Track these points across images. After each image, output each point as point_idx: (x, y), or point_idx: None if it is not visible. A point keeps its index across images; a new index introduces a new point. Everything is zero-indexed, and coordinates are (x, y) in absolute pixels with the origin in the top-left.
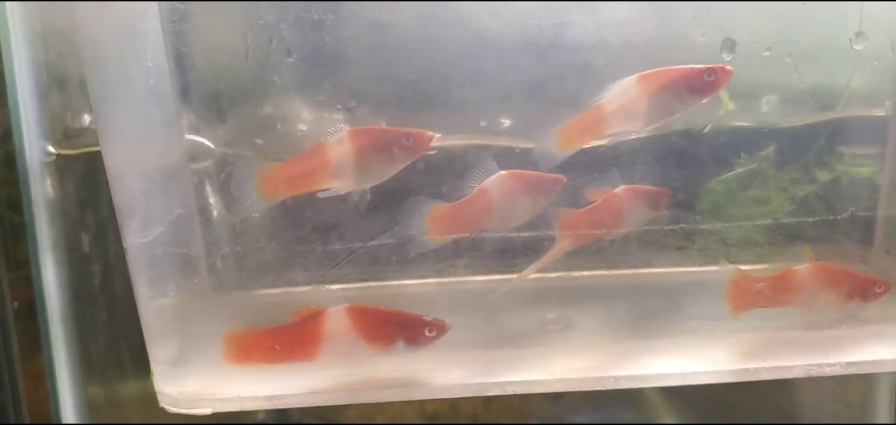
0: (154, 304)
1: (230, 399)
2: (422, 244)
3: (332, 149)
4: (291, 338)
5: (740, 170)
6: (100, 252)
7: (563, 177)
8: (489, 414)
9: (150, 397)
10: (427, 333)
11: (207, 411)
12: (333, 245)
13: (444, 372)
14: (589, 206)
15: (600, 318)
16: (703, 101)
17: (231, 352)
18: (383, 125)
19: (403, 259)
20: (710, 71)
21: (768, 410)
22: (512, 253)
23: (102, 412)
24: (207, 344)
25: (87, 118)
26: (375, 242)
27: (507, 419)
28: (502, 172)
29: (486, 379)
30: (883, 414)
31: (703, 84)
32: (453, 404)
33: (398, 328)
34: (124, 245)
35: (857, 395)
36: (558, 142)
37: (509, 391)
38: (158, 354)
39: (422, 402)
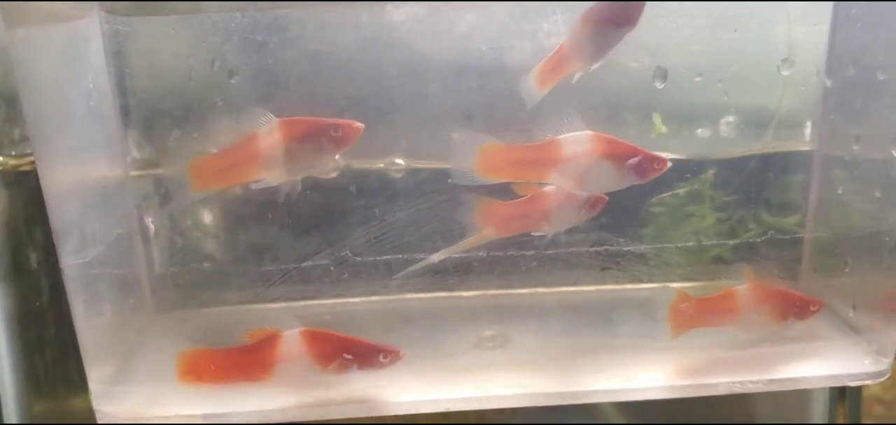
0: (91, 323)
1: (168, 417)
2: (470, 177)
3: (262, 139)
4: (246, 360)
5: (680, 191)
6: (48, 267)
7: (665, 160)
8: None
9: None
10: (382, 359)
11: None
12: (267, 266)
13: (381, 391)
14: (515, 200)
15: (536, 335)
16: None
17: (184, 371)
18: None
19: (336, 279)
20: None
21: (724, 416)
22: (443, 273)
23: (47, 415)
24: (147, 363)
25: None
26: (309, 263)
27: None
28: (585, 131)
29: (421, 397)
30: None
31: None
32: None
33: (353, 353)
34: (61, 265)
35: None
36: None
37: (444, 408)
38: (96, 374)
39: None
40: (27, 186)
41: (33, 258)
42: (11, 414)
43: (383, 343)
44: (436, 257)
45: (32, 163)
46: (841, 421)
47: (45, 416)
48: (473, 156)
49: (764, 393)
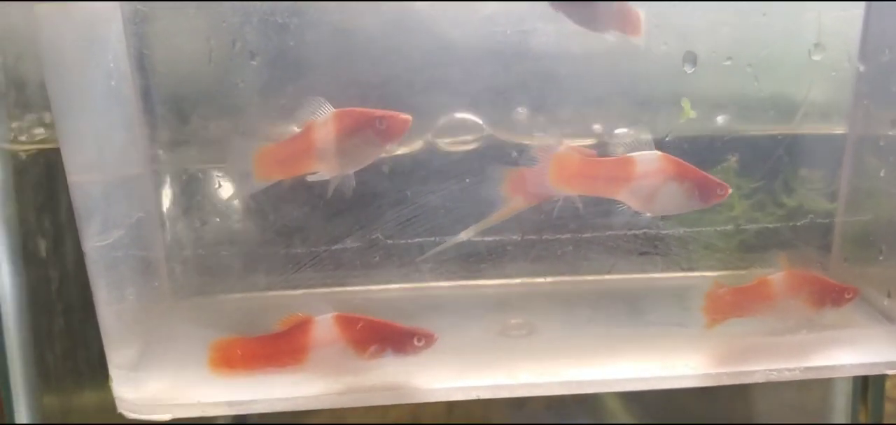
0: (113, 308)
1: (190, 404)
2: (544, 185)
3: (317, 130)
4: (279, 347)
5: None
6: (57, 257)
7: (726, 187)
8: (451, 421)
9: (107, 406)
10: (416, 343)
11: (167, 417)
12: (296, 248)
13: (407, 378)
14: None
15: (563, 324)
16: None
17: (215, 360)
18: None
19: (367, 263)
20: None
21: (727, 415)
22: (476, 257)
23: (58, 421)
24: (169, 349)
25: (47, 119)
26: (339, 246)
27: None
28: (657, 152)
29: (450, 384)
30: (839, 418)
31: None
32: (415, 412)
33: (387, 338)
34: (83, 248)
35: (815, 402)
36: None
37: (473, 396)
38: (117, 359)
39: (384, 409)
40: (36, 173)
41: (43, 247)
42: (21, 405)
43: (417, 327)
44: (464, 235)
45: (41, 147)
46: (863, 421)
47: (55, 409)
48: (548, 163)
49: (784, 397)
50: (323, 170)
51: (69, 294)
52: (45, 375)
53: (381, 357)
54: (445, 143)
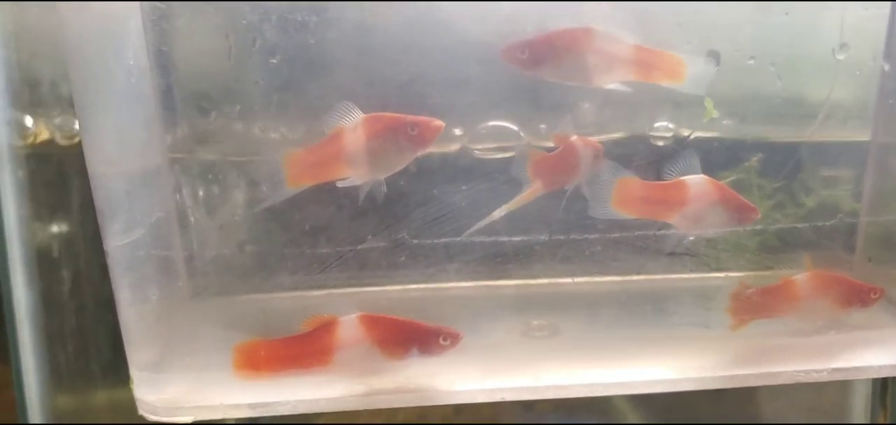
0: (134, 309)
1: (212, 406)
2: (607, 210)
3: (347, 135)
4: (304, 348)
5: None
6: (70, 258)
7: (758, 210)
8: (458, 421)
9: (120, 406)
10: (442, 342)
11: (188, 419)
12: (321, 248)
13: (429, 379)
14: (555, 153)
15: (587, 325)
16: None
17: (240, 363)
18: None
19: (392, 263)
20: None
21: (736, 416)
22: (503, 257)
23: (71, 420)
24: (189, 351)
25: (57, 120)
26: (364, 245)
27: None
28: (703, 176)
29: (473, 387)
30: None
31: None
32: (422, 412)
33: (413, 337)
34: (105, 248)
35: (832, 403)
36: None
37: (498, 398)
38: (138, 360)
39: (392, 411)
40: (49, 172)
41: (55, 247)
42: (35, 405)
43: (442, 326)
44: (496, 214)
45: (50, 141)
46: (882, 421)
47: (67, 409)
48: (612, 188)
49: (798, 390)
50: (353, 176)
51: (82, 293)
52: (57, 375)
53: (407, 357)
54: (479, 150)
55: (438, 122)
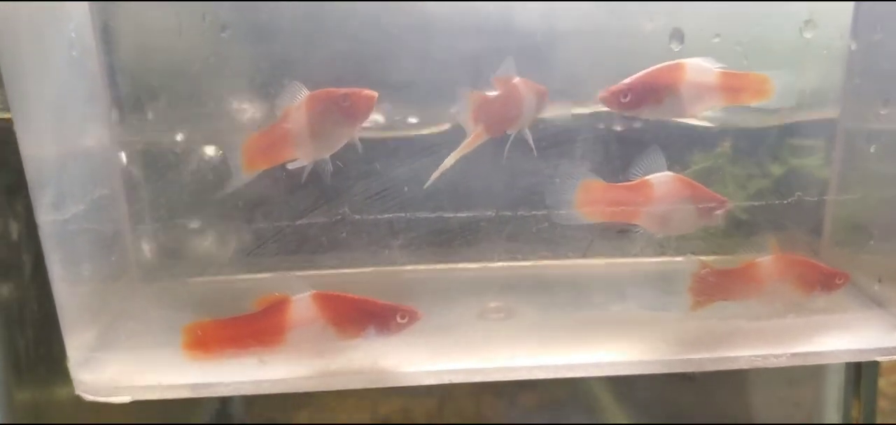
0: (67, 285)
1: (152, 387)
2: (571, 215)
3: (292, 116)
4: (255, 328)
5: (696, 167)
6: (30, 241)
7: (727, 201)
8: (442, 417)
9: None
10: (399, 319)
11: (126, 399)
12: (259, 223)
13: (380, 360)
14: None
15: (542, 307)
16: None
17: (189, 343)
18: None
19: (334, 240)
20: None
21: (722, 414)
22: (448, 233)
23: (30, 403)
24: (130, 331)
25: None
26: (304, 221)
27: (460, 423)
28: (669, 173)
29: (424, 368)
30: (832, 414)
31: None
32: (405, 408)
33: (369, 315)
34: (37, 220)
35: (808, 398)
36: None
37: (446, 380)
38: (74, 340)
39: (374, 405)
40: (7, 153)
41: (15, 230)
42: None
43: (400, 304)
44: (447, 163)
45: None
46: (855, 415)
47: (27, 401)
48: (575, 192)
49: (775, 391)
50: (300, 157)
51: (43, 279)
52: (15, 363)
53: (363, 336)
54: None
55: (370, 92)
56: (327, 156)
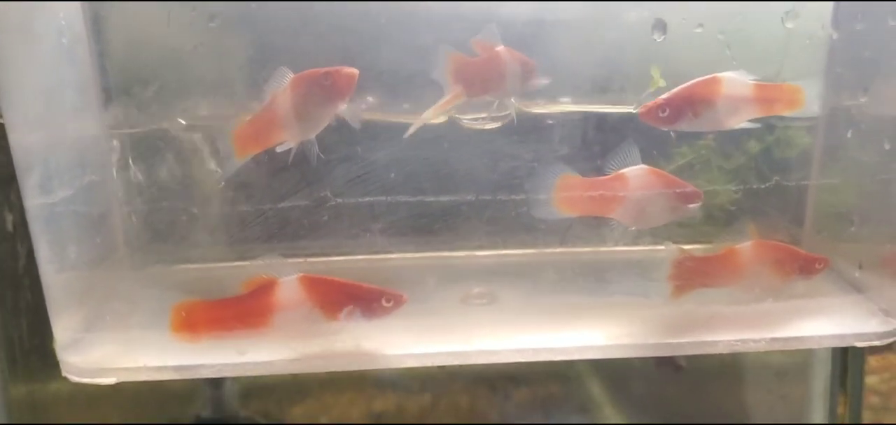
0: (53, 268)
1: (137, 368)
2: (549, 209)
3: (278, 99)
4: (243, 309)
5: (681, 161)
6: (25, 231)
7: (701, 193)
8: (436, 415)
9: (77, 393)
10: (385, 303)
11: (111, 380)
12: (241, 206)
13: (363, 343)
14: (481, 57)
15: (525, 293)
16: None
17: (178, 324)
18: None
19: (315, 223)
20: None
21: (717, 413)
22: (429, 217)
23: (24, 389)
24: (117, 313)
25: None
26: (286, 204)
27: (454, 419)
28: (643, 166)
29: (407, 351)
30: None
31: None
32: (400, 404)
33: (355, 298)
34: (24, 203)
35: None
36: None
37: (428, 363)
38: (61, 321)
39: (368, 401)
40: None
41: (10, 221)
42: None
43: (386, 287)
44: (426, 116)
45: None
46: (841, 412)
47: (21, 394)
48: (553, 187)
49: (764, 388)
50: (288, 139)
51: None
52: (10, 352)
53: (349, 318)
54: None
55: (351, 70)
56: (313, 136)
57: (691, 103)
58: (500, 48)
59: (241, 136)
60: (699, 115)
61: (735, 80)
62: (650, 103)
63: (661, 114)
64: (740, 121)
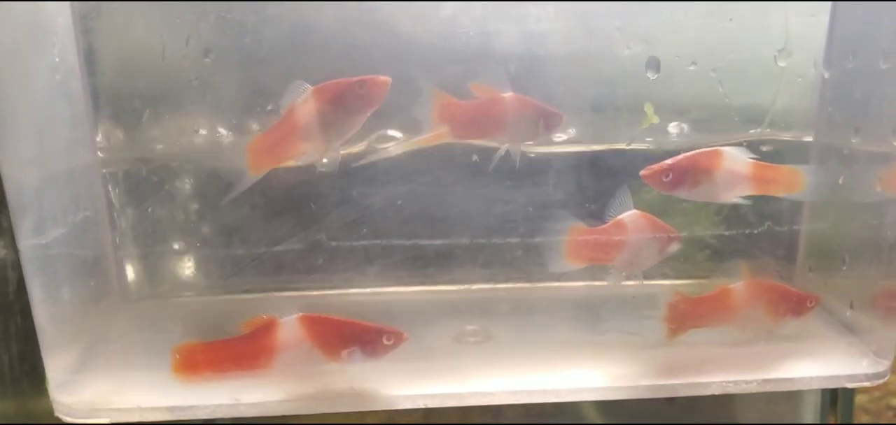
0: (47, 309)
1: (130, 409)
2: (560, 263)
3: (299, 110)
4: (244, 350)
5: None
6: (16, 258)
7: (677, 234)
8: None
9: None
10: (385, 342)
11: (105, 421)
12: (237, 249)
13: (358, 383)
14: (473, 101)
15: (519, 331)
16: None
17: (180, 365)
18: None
19: (310, 266)
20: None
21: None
22: (423, 260)
23: (13, 419)
24: (111, 353)
25: None
26: (281, 248)
27: None
28: (635, 211)
29: (402, 392)
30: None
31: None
32: (390, 416)
33: (355, 337)
34: (18, 245)
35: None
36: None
37: (421, 404)
38: (54, 362)
39: (361, 414)
40: None
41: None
42: None
43: (385, 325)
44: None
45: None
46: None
47: (9, 414)
48: (564, 237)
49: (753, 396)
50: (310, 150)
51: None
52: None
53: (350, 359)
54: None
55: (385, 78)
56: (338, 145)
57: (693, 173)
58: (509, 94)
59: (257, 150)
60: (699, 185)
61: (737, 156)
62: (655, 167)
63: (664, 179)
64: (735, 197)
